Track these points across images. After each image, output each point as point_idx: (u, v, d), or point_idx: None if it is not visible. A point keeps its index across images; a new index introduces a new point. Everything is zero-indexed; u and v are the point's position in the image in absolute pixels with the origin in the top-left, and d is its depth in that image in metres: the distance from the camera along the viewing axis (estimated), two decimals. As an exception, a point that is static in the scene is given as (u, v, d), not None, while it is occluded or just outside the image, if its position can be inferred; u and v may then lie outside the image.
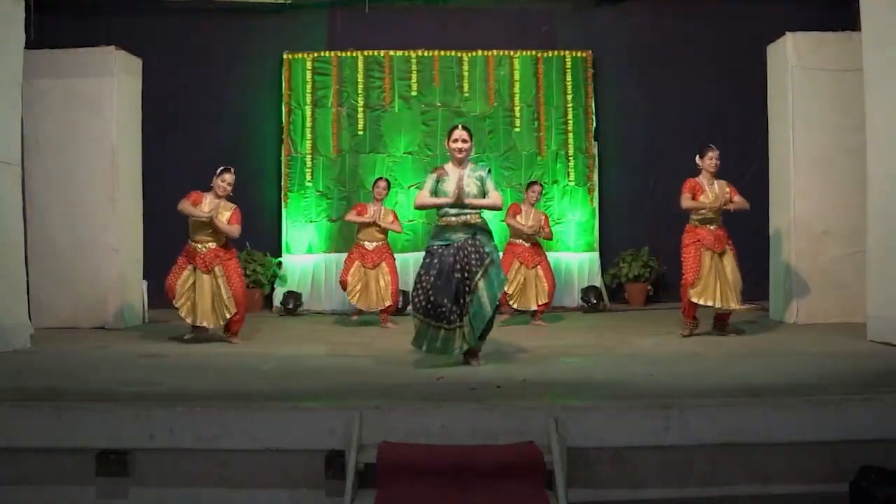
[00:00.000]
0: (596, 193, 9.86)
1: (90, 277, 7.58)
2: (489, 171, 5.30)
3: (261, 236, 9.73)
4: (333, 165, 9.77)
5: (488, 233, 5.24)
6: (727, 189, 6.54)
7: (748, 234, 9.22)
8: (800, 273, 7.49)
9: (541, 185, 8.16)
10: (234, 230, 6.45)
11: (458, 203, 5.09)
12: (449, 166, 5.23)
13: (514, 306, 7.79)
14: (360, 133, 9.79)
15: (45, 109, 7.56)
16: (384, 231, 7.77)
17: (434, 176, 5.22)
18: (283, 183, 9.78)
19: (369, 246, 7.69)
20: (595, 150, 9.91)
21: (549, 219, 8.43)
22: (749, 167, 9.34)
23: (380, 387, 4.44)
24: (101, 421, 3.65)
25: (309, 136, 9.77)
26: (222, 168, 6.53)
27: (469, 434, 3.62)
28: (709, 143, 6.64)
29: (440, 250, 5.08)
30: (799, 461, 3.70)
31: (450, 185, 5.11)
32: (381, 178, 8.05)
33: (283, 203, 9.78)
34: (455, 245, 5.07)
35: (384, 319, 7.76)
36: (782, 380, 4.46)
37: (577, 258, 9.77)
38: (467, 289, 5.00)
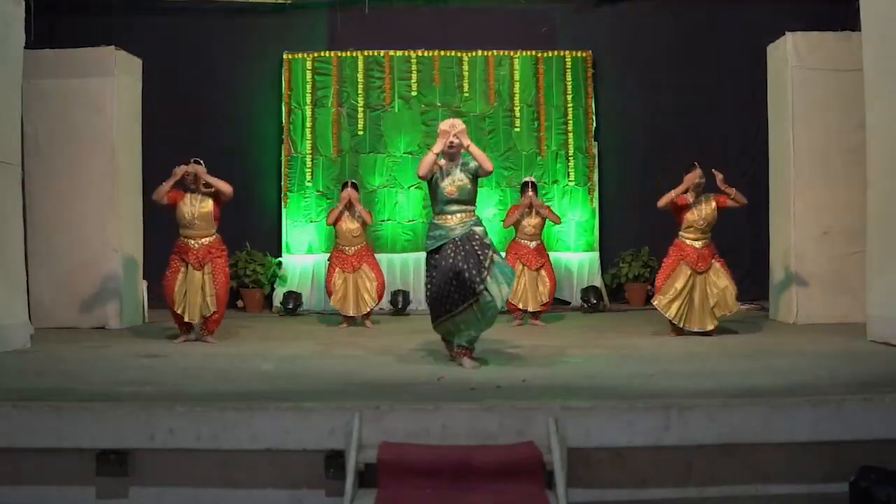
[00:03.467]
0: (596, 193, 9.87)
1: (90, 277, 7.57)
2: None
3: (261, 236, 9.76)
4: (333, 165, 9.78)
5: (483, 226, 5.34)
6: (711, 199, 6.65)
7: (748, 233, 9.29)
8: (800, 273, 7.49)
9: (534, 183, 8.07)
10: (226, 186, 6.43)
11: (455, 198, 5.21)
12: (441, 161, 5.33)
13: (519, 307, 7.76)
14: (360, 133, 9.79)
15: (45, 109, 7.56)
16: (361, 231, 7.72)
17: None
18: (283, 183, 9.79)
19: (349, 250, 7.67)
20: (595, 150, 9.91)
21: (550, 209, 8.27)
22: (748, 170, 9.38)
23: (380, 387, 4.44)
24: (101, 421, 3.65)
25: (309, 136, 9.78)
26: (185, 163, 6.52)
27: (469, 434, 3.62)
28: (694, 161, 6.73)
29: (437, 256, 5.19)
30: (799, 461, 3.69)
31: (444, 178, 5.24)
32: (346, 184, 7.89)
33: (283, 203, 9.78)
34: (454, 240, 5.15)
35: (366, 318, 7.76)
36: (782, 380, 4.46)
37: (577, 258, 9.78)
38: (483, 265, 5.07)
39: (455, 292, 5.08)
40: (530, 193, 7.77)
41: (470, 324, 5.13)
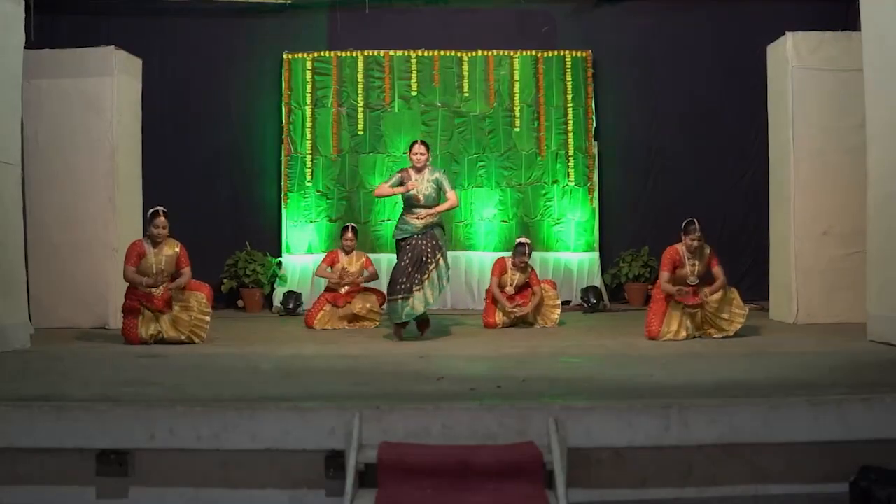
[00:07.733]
0: (596, 193, 9.86)
1: (90, 277, 7.57)
2: (444, 171, 6.73)
3: (261, 236, 9.76)
4: (333, 165, 9.78)
5: (442, 228, 6.60)
6: (706, 253, 6.49)
7: (748, 233, 9.30)
8: (800, 273, 7.48)
9: (529, 247, 7.49)
10: (186, 275, 6.37)
11: (421, 204, 6.38)
12: (410, 171, 6.50)
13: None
14: (360, 133, 9.79)
15: (45, 109, 7.55)
16: (358, 276, 7.69)
17: (398, 175, 6.55)
18: (283, 183, 9.79)
19: (342, 289, 7.64)
20: (595, 150, 9.91)
21: (536, 275, 7.73)
22: (747, 170, 9.38)
23: (380, 387, 4.44)
24: (101, 421, 3.64)
25: (309, 136, 9.77)
26: (152, 211, 6.45)
27: (469, 434, 3.62)
28: (693, 218, 6.49)
29: (407, 243, 6.35)
30: (799, 461, 3.69)
31: (410, 186, 6.36)
32: (346, 228, 7.88)
33: (283, 203, 9.78)
34: (417, 236, 6.35)
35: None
36: (782, 380, 4.46)
37: (577, 258, 9.77)
38: (426, 269, 6.29)
39: (403, 282, 6.23)
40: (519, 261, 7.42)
41: (397, 313, 6.29)
